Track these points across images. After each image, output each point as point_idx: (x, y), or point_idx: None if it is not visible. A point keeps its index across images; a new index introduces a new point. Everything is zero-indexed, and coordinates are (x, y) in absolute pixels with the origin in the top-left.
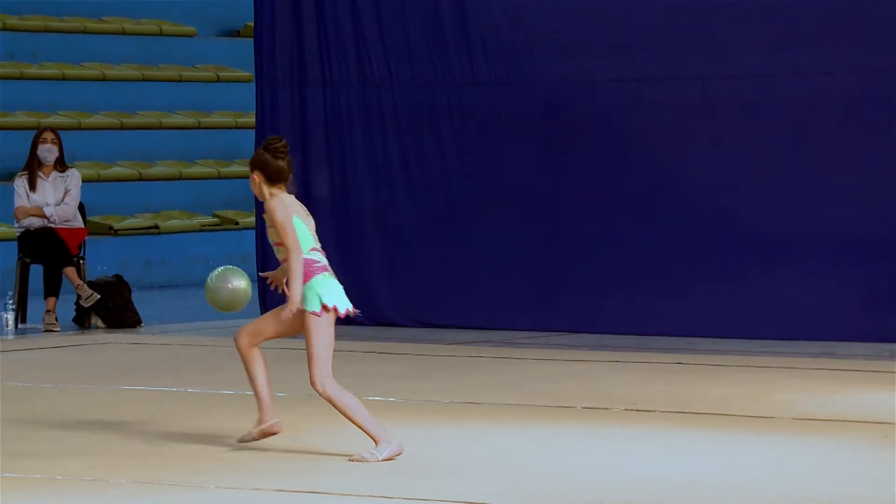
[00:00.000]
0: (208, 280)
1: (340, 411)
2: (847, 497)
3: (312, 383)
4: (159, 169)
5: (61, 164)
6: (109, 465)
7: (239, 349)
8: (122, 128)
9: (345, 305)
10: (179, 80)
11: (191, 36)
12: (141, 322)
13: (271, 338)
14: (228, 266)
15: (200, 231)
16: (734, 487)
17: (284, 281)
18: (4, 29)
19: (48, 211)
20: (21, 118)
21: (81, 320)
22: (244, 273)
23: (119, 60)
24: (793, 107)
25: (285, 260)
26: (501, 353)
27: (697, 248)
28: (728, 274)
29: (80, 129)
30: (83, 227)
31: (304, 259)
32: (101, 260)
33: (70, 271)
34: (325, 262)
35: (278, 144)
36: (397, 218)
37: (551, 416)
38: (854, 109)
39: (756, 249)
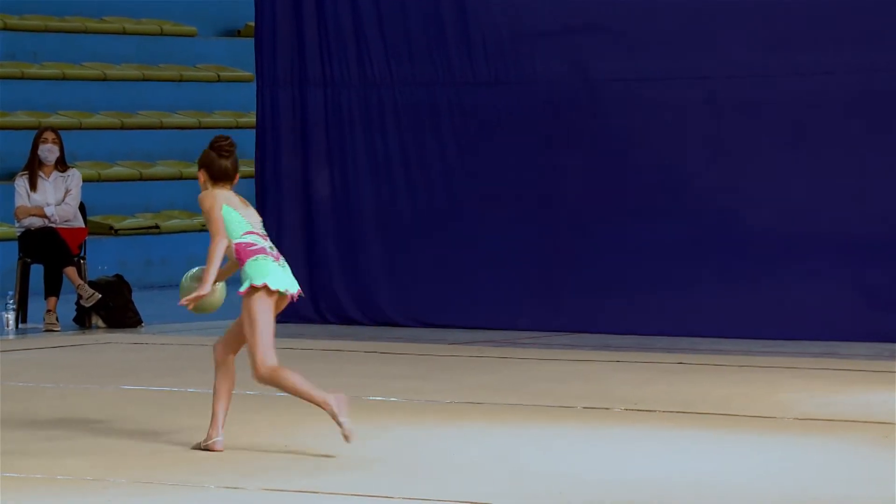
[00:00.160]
0: (182, 281)
1: (288, 391)
2: (849, 497)
3: (254, 373)
4: (160, 169)
5: (62, 164)
6: (109, 465)
7: (214, 360)
8: (122, 128)
9: (282, 286)
10: (180, 80)
11: (191, 36)
12: (141, 322)
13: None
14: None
15: (201, 231)
16: (736, 487)
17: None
18: (5, 28)
19: (49, 211)
20: (22, 118)
21: (82, 320)
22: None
23: (120, 60)
24: (793, 107)
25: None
26: (502, 353)
27: (698, 248)
28: (729, 274)
29: (80, 128)
30: (84, 226)
31: (237, 243)
32: (102, 260)
33: (71, 271)
34: (263, 244)
35: (224, 143)
36: (397, 217)
37: (552, 416)
38: (854, 109)
39: (756, 249)
